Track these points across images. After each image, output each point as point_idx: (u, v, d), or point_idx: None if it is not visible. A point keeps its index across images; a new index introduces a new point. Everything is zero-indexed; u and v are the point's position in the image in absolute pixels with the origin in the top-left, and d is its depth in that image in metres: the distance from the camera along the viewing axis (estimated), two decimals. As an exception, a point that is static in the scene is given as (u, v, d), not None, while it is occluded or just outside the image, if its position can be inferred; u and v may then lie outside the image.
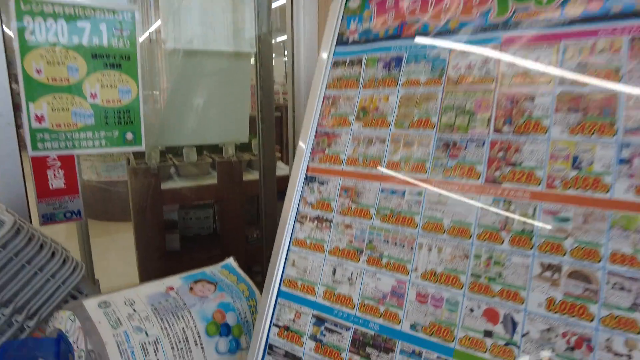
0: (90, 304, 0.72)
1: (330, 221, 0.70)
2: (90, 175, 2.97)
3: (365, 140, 0.70)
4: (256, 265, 1.70)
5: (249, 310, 0.84)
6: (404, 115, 0.67)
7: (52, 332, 0.74)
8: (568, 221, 0.52)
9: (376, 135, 0.69)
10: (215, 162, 1.61)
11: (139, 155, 1.61)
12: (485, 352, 0.55)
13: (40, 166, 1.13)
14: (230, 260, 0.93)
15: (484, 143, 0.60)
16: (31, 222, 1.10)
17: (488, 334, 0.55)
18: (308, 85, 1.29)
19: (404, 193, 0.65)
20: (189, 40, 1.33)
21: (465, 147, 0.61)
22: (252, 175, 1.64)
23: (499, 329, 0.54)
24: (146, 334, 0.71)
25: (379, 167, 0.68)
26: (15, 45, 1.05)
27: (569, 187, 0.53)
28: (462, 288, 0.58)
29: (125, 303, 0.74)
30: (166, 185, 1.49)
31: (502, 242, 0.56)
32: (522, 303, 0.54)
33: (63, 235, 1.38)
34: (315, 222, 0.72)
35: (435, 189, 0.62)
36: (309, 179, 0.74)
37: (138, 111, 1.21)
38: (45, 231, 0.89)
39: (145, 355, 0.69)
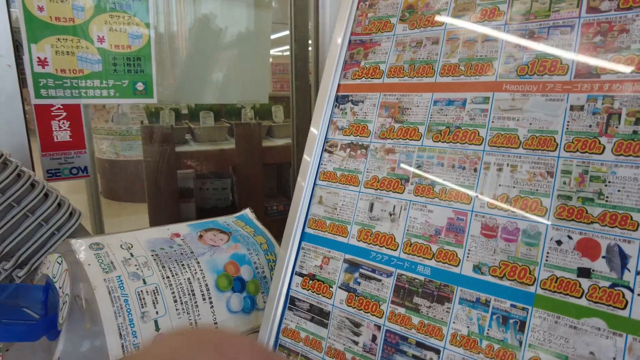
0: (80, 245, 0.61)
1: (367, 147, 0.57)
2: (109, 155, 2.92)
3: (413, 44, 0.56)
4: (278, 239, 1.58)
5: (267, 265, 0.72)
6: (463, 8, 0.53)
7: (40, 279, 0.64)
8: None
9: (427, 36, 0.55)
10: (232, 127, 1.49)
11: (154, 120, 1.52)
12: (581, 296, 0.40)
13: (44, 116, 1.04)
14: (247, 211, 0.81)
15: (572, 28, 0.46)
16: (33, 176, 1.01)
17: (584, 272, 0.41)
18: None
19: (464, 102, 0.51)
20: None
21: (547, 35, 0.47)
22: (271, 143, 1.52)
23: (600, 265, 0.40)
24: (144, 281, 0.59)
25: (431, 74, 0.54)
26: (15, -22, 0.95)
27: None
28: (545, 214, 0.44)
29: (121, 246, 0.63)
30: (181, 149, 1.38)
31: (602, 151, 0.42)
32: (636, 229, 0.39)
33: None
34: (348, 150, 0.59)
35: (507, 93, 0.48)
36: (339, 100, 0.61)
37: (150, 59, 1.11)
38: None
39: (142, 305, 0.57)
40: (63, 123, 1.06)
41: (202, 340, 0.16)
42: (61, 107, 1.04)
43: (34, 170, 1.03)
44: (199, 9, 1.29)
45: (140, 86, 1.11)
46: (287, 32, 1.27)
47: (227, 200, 1.63)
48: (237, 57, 1.35)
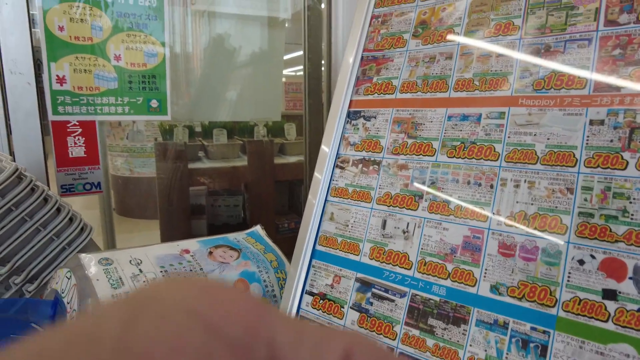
0: (90, 260, 0.60)
1: (379, 163, 0.56)
2: (123, 171, 2.96)
3: (426, 59, 0.55)
4: (288, 257, 1.56)
5: (277, 283, 0.70)
6: (476, 23, 0.53)
7: (49, 294, 0.63)
8: None
9: (440, 51, 0.55)
10: (245, 144, 1.50)
11: (168, 137, 1.53)
12: (607, 320, 0.38)
13: (60, 132, 1.05)
14: (257, 228, 0.80)
15: (590, 41, 0.45)
16: (48, 192, 1.02)
17: (610, 294, 0.39)
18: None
19: (479, 117, 0.50)
20: (219, 1, 1.24)
21: (564, 49, 0.46)
22: (283, 160, 1.53)
23: (627, 287, 0.38)
24: (153, 297, 0.58)
25: (445, 89, 0.53)
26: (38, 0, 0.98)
27: None
28: (565, 233, 0.42)
29: (130, 262, 0.62)
30: (194, 166, 1.39)
31: (626, 167, 0.40)
32: (664, 248, 0.37)
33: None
34: (360, 165, 0.58)
35: (523, 108, 0.47)
36: (351, 115, 0.60)
37: (164, 77, 1.13)
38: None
39: (150, 322, 0.56)
40: (78, 139, 1.07)
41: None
42: (77, 123, 1.06)
43: (49, 185, 1.04)
44: (214, 28, 1.31)
45: (154, 103, 1.13)
46: (300, 53, 1.28)
47: (238, 217, 1.63)
48: (250, 76, 1.37)
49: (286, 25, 1.33)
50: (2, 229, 0.66)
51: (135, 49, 1.08)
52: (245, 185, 1.51)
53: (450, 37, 0.54)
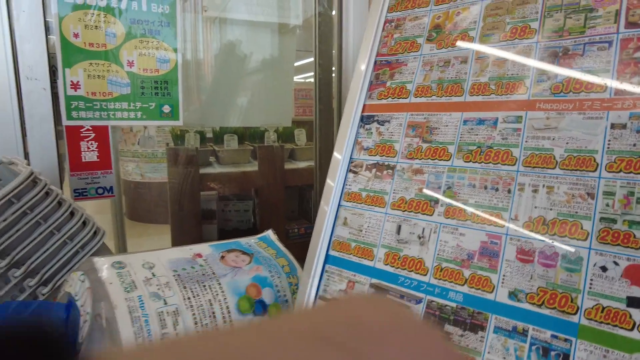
0: (103, 263, 0.61)
1: (394, 167, 0.56)
2: (134, 176, 2.98)
3: (441, 63, 0.55)
4: (299, 262, 1.56)
5: (289, 288, 0.70)
6: (492, 27, 0.52)
7: (62, 297, 0.64)
8: None
9: (455, 55, 0.54)
10: (256, 149, 1.51)
11: (179, 143, 1.54)
12: (632, 329, 0.37)
13: (74, 137, 1.06)
14: (269, 233, 0.80)
15: (610, 44, 0.44)
16: (61, 196, 1.03)
17: (635, 302, 0.38)
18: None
19: (495, 121, 0.49)
20: (231, 8, 1.25)
21: (583, 52, 0.45)
22: (293, 166, 1.52)
23: (651, 294, 0.37)
24: (165, 302, 0.58)
25: (460, 93, 0.53)
26: (54, 7, 1.00)
27: None
28: (586, 238, 0.41)
29: (143, 266, 0.62)
30: (205, 171, 1.39)
31: (649, 172, 0.39)
32: (690, 255, 0.36)
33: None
34: (374, 170, 0.57)
35: (541, 112, 0.46)
36: (365, 120, 0.60)
37: (176, 83, 1.13)
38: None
39: (163, 326, 0.56)
40: (91, 144, 1.08)
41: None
42: (90, 128, 1.07)
43: (62, 189, 1.05)
44: (225, 35, 1.32)
45: (166, 109, 1.14)
46: (310, 60, 1.28)
47: (248, 222, 1.63)
48: (261, 82, 1.37)
49: (297, 31, 1.33)
50: (17, 232, 0.66)
51: (148, 55, 1.09)
52: (255, 190, 1.51)
53: (465, 41, 0.54)
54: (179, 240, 1.38)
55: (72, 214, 0.73)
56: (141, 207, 2.88)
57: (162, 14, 1.10)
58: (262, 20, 1.30)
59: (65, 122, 1.04)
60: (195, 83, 1.29)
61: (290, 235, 1.53)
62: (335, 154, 0.61)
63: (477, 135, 0.50)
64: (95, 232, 0.76)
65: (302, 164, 1.54)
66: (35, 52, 0.97)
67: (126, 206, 2.93)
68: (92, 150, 1.09)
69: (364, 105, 0.61)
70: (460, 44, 0.54)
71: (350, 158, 0.60)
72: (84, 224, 0.75)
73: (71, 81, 1.03)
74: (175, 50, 1.12)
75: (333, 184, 0.60)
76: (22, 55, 0.96)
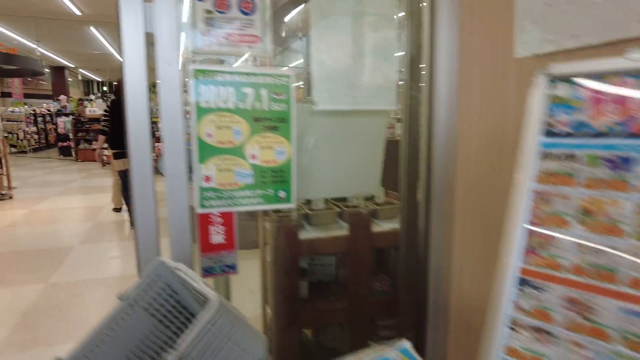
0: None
1: (553, 334, 0.66)
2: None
3: (594, 249, 0.64)
4: (382, 319, 1.67)
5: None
6: (647, 226, 0.61)
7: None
8: None
9: (609, 244, 0.63)
10: (343, 212, 1.63)
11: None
12: None
13: (204, 223, 1.21)
14: (407, 345, 0.91)
15: None
16: (194, 275, 1.18)
17: None
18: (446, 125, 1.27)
19: (655, 317, 0.58)
20: (337, 100, 1.36)
21: None
22: (376, 226, 1.63)
23: None
24: None
25: (615, 282, 0.62)
26: (193, 113, 1.14)
27: None
28: None
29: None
30: (300, 235, 1.52)
31: None
32: None
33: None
34: (533, 332, 0.67)
35: (698, 318, 0.55)
36: (521, 282, 0.70)
37: (290, 170, 1.26)
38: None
39: None
40: (219, 228, 1.22)
41: None
42: (219, 214, 1.21)
43: (193, 268, 1.20)
44: (327, 121, 1.44)
45: (282, 194, 1.26)
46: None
47: (332, 275, 1.76)
48: (355, 156, 1.49)
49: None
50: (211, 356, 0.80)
51: (268, 148, 1.22)
52: (340, 247, 1.62)
53: (617, 232, 0.63)
54: (280, 296, 1.53)
55: (243, 325, 0.86)
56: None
57: (280, 112, 1.22)
58: (363, 109, 1.41)
59: (199, 210, 1.18)
60: (299, 166, 1.41)
61: (374, 292, 1.64)
62: (494, 310, 0.71)
63: (638, 327, 0.59)
64: (260, 340, 0.89)
65: (385, 225, 1.65)
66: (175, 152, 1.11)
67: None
68: (220, 234, 1.23)
69: (522, 269, 0.71)
70: (612, 234, 0.63)
71: (508, 315, 0.70)
72: (254, 334, 0.88)
73: (204, 175, 1.17)
74: (290, 142, 1.24)
75: (493, 338, 0.70)
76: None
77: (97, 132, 3.76)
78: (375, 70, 1.38)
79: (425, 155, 1.37)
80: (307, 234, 1.52)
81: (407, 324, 1.54)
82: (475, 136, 1.24)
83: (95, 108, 9.87)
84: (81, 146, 9.75)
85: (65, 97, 12.83)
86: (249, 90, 1.19)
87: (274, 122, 1.23)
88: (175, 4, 1.07)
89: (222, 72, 1.16)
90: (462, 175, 1.31)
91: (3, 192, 5.41)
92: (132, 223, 3.28)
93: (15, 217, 4.51)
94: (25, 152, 11.51)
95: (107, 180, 6.84)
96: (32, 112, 12.33)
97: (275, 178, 1.25)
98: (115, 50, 13.76)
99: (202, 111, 1.15)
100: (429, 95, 1.35)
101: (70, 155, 10.25)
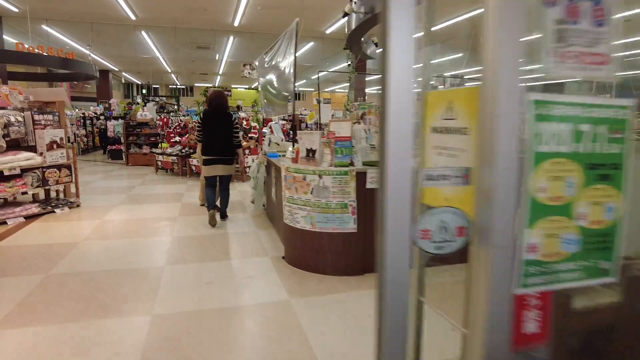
0: None
1: None
2: (304, 225, 2.90)
3: None
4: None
5: None
6: None
7: None
8: None
9: None
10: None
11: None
12: None
13: (519, 307, 0.89)
14: None
15: None
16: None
17: None
18: None
19: None
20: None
21: None
22: None
23: None
24: None
25: None
26: (529, 160, 0.82)
27: None
28: None
29: None
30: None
31: None
32: None
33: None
34: None
35: None
36: None
37: (618, 234, 0.93)
38: None
39: None
40: (535, 313, 0.91)
41: None
42: (538, 295, 0.89)
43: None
44: None
45: (604, 265, 0.94)
46: None
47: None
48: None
49: None
50: None
51: (597, 203, 0.90)
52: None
53: None
54: None
55: None
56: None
57: (615, 155, 0.90)
58: None
59: (516, 290, 0.86)
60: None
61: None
62: None
63: None
64: None
65: None
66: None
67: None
68: (535, 321, 0.91)
69: None
70: None
71: None
72: None
73: (529, 243, 0.86)
74: (621, 194, 0.91)
75: None
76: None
77: (197, 140, 4.15)
78: None
79: None
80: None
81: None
82: None
83: (147, 112, 9.79)
84: (132, 150, 9.66)
85: (115, 100, 12.89)
86: (586, 128, 0.88)
87: (607, 169, 0.91)
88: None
89: (565, 103, 0.85)
90: None
91: (72, 199, 5.26)
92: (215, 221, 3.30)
93: (89, 228, 4.32)
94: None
95: (165, 188, 6.68)
96: (82, 115, 12.39)
97: (599, 244, 0.93)
98: (161, 55, 13.76)
99: (540, 157, 0.84)
100: None
101: (121, 158, 10.19)
